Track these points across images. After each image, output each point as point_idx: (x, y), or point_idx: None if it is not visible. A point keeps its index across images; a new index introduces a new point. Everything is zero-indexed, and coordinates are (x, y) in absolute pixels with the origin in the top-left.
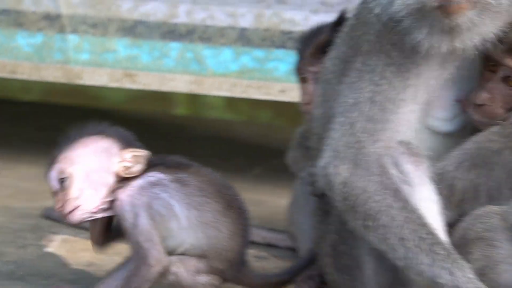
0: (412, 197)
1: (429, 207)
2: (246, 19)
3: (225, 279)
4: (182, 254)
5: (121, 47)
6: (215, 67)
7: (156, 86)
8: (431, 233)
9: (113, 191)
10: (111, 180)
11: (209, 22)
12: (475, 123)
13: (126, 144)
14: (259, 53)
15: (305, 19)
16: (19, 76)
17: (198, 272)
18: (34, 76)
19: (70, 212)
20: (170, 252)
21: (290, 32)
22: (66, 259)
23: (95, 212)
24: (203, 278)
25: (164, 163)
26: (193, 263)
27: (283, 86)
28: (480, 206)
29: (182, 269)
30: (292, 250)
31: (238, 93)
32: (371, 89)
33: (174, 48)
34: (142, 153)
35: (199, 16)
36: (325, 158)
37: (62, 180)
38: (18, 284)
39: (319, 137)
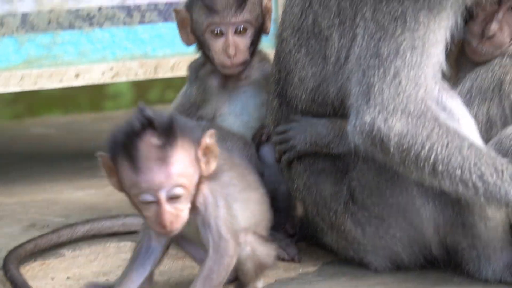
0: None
1: (477, 137)
2: (25, 4)
3: None
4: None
5: None
6: None
7: None
8: (502, 161)
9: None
10: (196, 181)
11: None
12: (477, 57)
13: (196, 138)
14: (44, 38)
15: None
16: None
17: (264, 243)
18: None
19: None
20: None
21: (76, 10)
22: None
23: None
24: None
25: None
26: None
27: (77, 70)
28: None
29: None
30: None
31: (28, 85)
32: (409, 35)
33: None
34: (213, 145)
35: None
36: (369, 113)
37: (172, 198)
38: None
39: (312, 97)
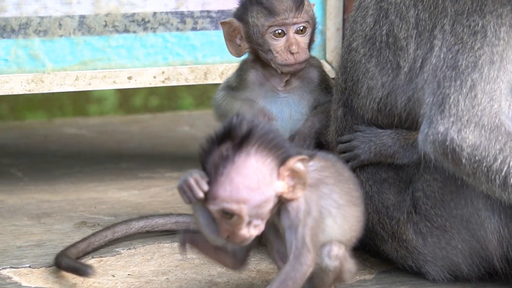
0: None
1: None
2: (83, 6)
3: None
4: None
5: None
6: (53, 61)
7: None
8: None
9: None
10: (274, 203)
11: (43, 13)
12: None
13: (283, 155)
14: (99, 41)
15: (145, 0)
16: None
17: (351, 259)
18: None
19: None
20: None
21: (132, 15)
22: None
23: None
24: (353, 265)
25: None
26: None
27: (130, 72)
28: None
29: (344, 260)
30: None
31: (83, 86)
32: (488, 50)
33: (5, 46)
34: (301, 171)
35: (31, 8)
36: (442, 123)
37: (227, 215)
38: None
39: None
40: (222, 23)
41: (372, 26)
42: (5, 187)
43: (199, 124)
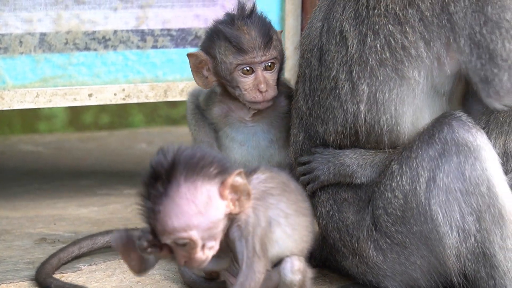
0: None
1: None
2: (44, 24)
3: None
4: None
5: None
6: (14, 78)
7: None
8: None
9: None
10: (225, 221)
11: (4, 30)
12: None
13: (217, 172)
14: (60, 58)
15: (106, 18)
16: None
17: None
18: None
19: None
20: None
21: (93, 33)
22: None
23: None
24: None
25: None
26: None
27: (91, 90)
28: None
29: (305, 272)
30: None
31: (43, 103)
32: None
33: None
34: (242, 184)
35: None
36: (501, 72)
37: (181, 244)
38: None
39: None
40: (188, 55)
41: (356, 49)
42: None
43: (157, 141)
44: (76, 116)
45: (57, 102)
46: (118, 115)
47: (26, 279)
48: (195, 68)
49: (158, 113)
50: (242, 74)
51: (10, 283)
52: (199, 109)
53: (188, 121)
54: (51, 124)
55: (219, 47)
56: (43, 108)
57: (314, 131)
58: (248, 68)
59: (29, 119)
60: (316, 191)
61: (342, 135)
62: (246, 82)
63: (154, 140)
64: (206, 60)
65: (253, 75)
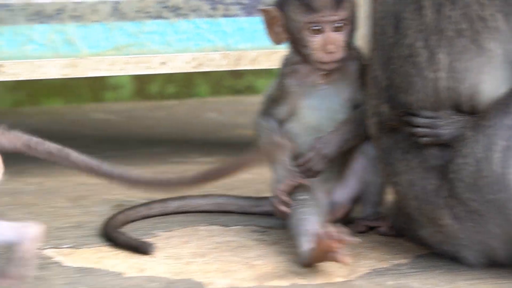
0: None
1: None
2: None
3: None
4: None
5: None
6: (88, 46)
7: (25, 76)
8: None
9: None
10: None
11: None
12: None
13: None
14: (132, 26)
15: None
16: None
17: None
18: None
19: None
20: None
21: (164, 1)
22: None
23: None
24: None
25: None
26: None
27: (163, 58)
28: None
29: None
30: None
31: (116, 71)
32: None
33: (41, 30)
34: None
35: None
36: None
37: None
38: None
39: None
40: (262, 10)
41: (433, 18)
42: (42, 170)
43: (225, 110)
44: (142, 86)
45: (130, 70)
46: (184, 85)
47: (105, 244)
48: (268, 24)
49: (223, 83)
50: (311, 33)
51: (91, 247)
52: (271, 102)
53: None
54: (117, 93)
55: (290, 4)
56: (111, 77)
57: (396, 101)
58: (317, 27)
59: (96, 89)
60: (396, 159)
61: (423, 103)
62: (315, 41)
63: (222, 109)
64: (277, 16)
65: (322, 35)
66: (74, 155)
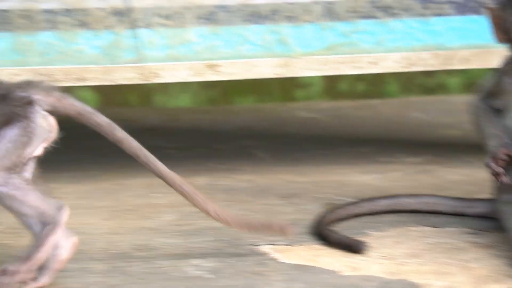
0: None
1: None
2: None
3: None
4: None
5: (199, 37)
6: (300, 46)
7: (240, 75)
8: None
9: None
10: None
11: (291, 0)
12: None
13: None
14: (344, 26)
15: None
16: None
17: None
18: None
19: None
20: None
21: (376, 1)
22: None
23: None
24: None
25: None
26: None
27: (374, 57)
28: None
29: None
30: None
31: (328, 70)
32: None
33: (256, 31)
34: None
35: None
36: None
37: None
38: None
39: None
40: (487, 8)
41: None
42: (252, 168)
43: (431, 110)
44: (332, 85)
45: (343, 69)
46: (373, 84)
47: (318, 241)
48: (492, 22)
49: (413, 82)
50: None
51: (306, 244)
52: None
53: (471, 118)
54: (308, 92)
55: (508, 7)
56: (301, 77)
57: None
58: None
59: (287, 88)
60: None
61: None
62: None
63: (428, 109)
64: (499, 16)
65: None
66: (120, 133)
